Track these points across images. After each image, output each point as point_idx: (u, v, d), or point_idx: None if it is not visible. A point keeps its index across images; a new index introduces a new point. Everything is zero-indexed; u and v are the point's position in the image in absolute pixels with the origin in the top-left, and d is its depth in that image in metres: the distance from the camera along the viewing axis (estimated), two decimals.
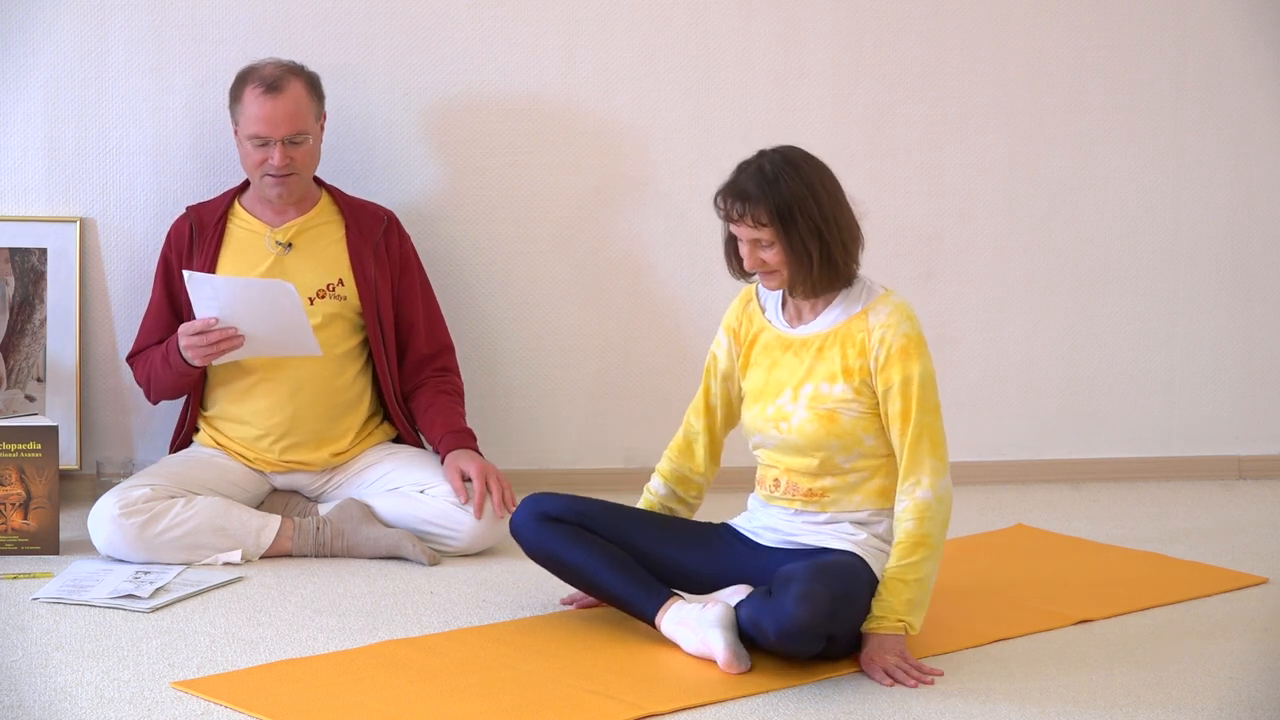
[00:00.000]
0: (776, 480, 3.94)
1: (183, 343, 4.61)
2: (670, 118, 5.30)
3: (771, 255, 3.84)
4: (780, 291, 3.95)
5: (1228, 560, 4.66)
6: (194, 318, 4.62)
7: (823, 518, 3.91)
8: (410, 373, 4.87)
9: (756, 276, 3.92)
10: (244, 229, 4.80)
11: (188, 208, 4.87)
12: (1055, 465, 5.57)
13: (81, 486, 5.03)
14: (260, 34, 5.06)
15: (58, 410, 5.04)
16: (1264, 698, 3.67)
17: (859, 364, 3.84)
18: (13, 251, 5.06)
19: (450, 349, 4.95)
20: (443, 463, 4.72)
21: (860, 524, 3.91)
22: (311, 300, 4.71)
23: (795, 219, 3.80)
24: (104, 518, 4.47)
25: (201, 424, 4.81)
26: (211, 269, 4.74)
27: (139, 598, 4.19)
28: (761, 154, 3.87)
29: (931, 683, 3.74)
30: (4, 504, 4.56)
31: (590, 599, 4.13)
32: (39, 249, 5.07)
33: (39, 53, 5.04)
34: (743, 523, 4.05)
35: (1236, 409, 5.64)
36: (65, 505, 4.81)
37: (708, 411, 4.10)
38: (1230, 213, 5.59)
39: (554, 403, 5.34)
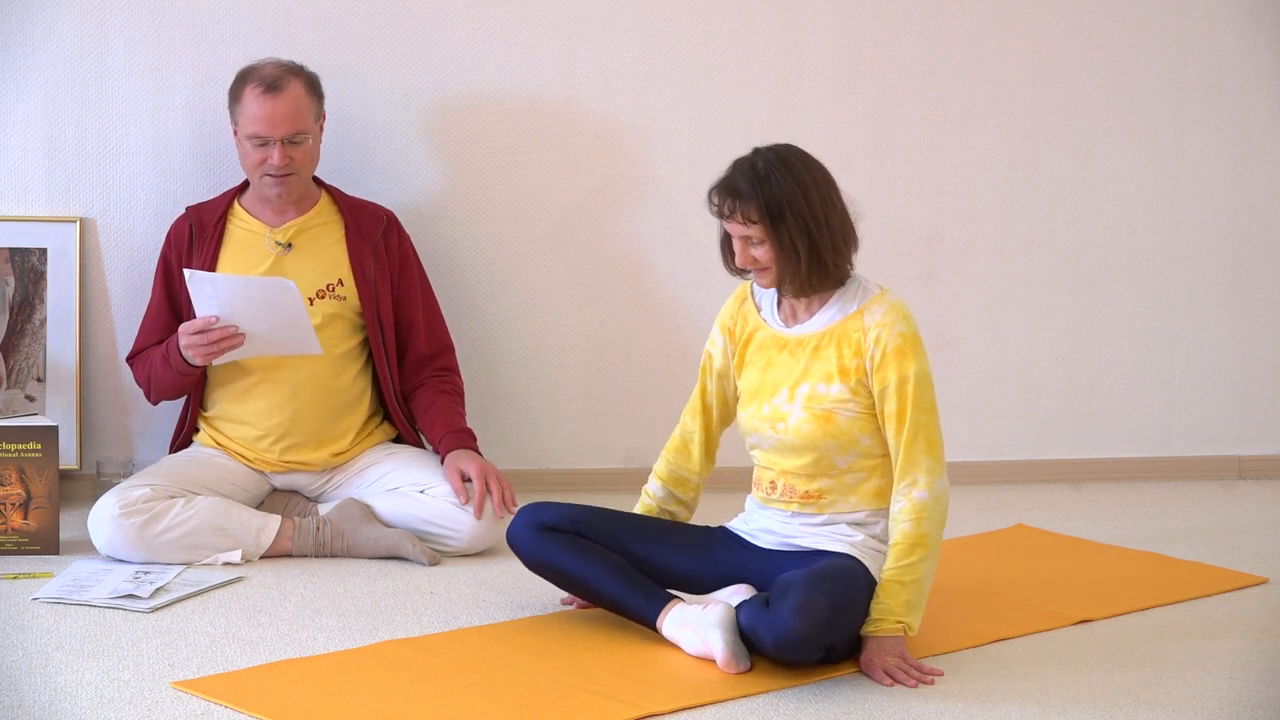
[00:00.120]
0: (773, 483, 3.94)
1: (183, 342, 4.61)
2: (670, 118, 5.30)
3: (762, 253, 3.84)
4: (775, 291, 3.95)
5: (1228, 560, 4.66)
6: (194, 317, 4.62)
7: (819, 520, 3.91)
8: (410, 372, 4.87)
9: (751, 274, 3.92)
10: (243, 229, 4.80)
11: (187, 208, 4.87)
12: (1055, 465, 5.57)
13: (81, 486, 5.03)
14: (260, 34, 5.06)
15: (58, 410, 5.04)
16: (1264, 698, 3.67)
17: (855, 364, 3.84)
18: (13, 251, 5.06)
19: (450, 349, 4.95)
20: (442, 463, 4.72)
21: (857, 525, 3.90)
22: (311, 300, 4.70)
23: (785, 217, 3.80)
24: (104, 518, 4.47)
25: (201, 424, 4.81)
26: (211, 269, 4.74)
27: (139, 598, 4.19)
28: (756, 151, 3.87)
29: (931, 683, 3.74)
30: (4, 504, 4.56)
31: None
32: (39, 249, 5.07)
33: (39, 53, 5.04)
34: (740, 525, 4.05)
35: (1236, 409, 5.64)
36: (65, 505, 4.81)
37: (704, 411, 4.10)
38: (1230, 213, 5.59)
39: (554, 403, 5.34)
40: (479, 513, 4.61)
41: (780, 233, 3.81)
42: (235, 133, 4.77)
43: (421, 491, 4.67)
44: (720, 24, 5.30)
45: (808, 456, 3.87)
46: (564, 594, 4.19)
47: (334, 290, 4.76)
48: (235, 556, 4.51)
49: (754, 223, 3.82)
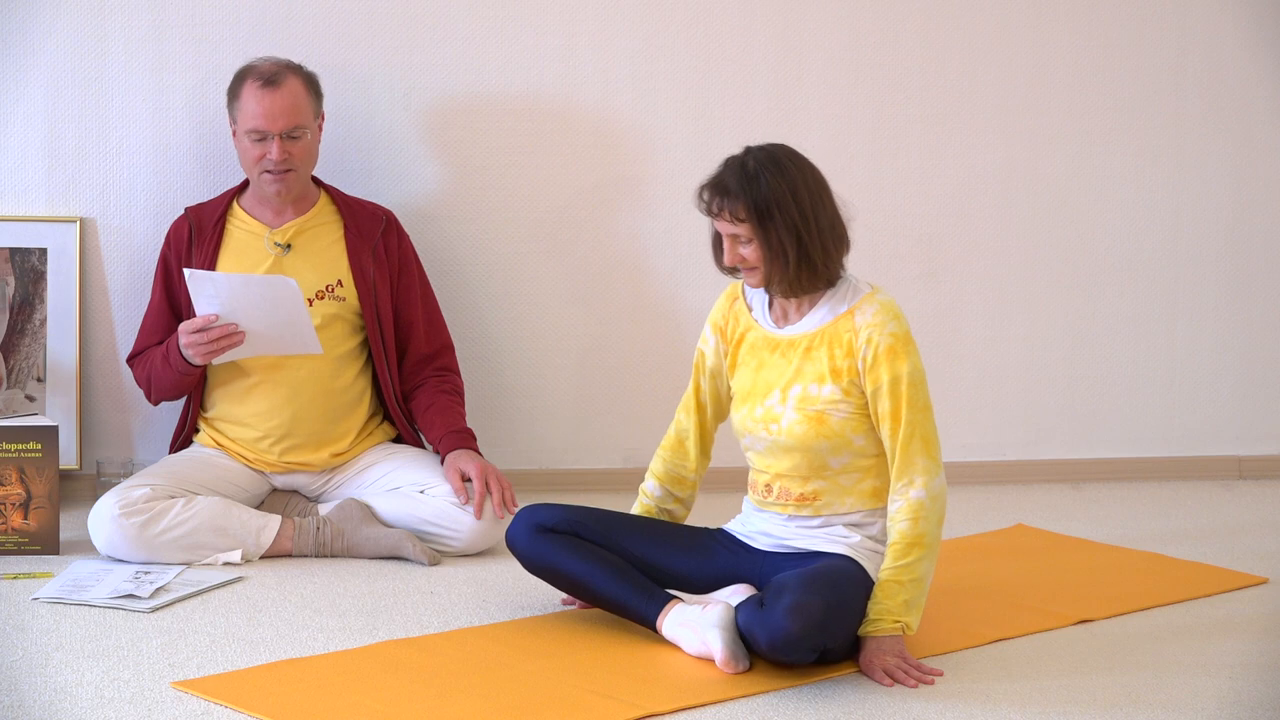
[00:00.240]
0: (769, 486, 3.94)
1: (183, 341, 4.61)
2: (670, 118, 5.30)
3: (749, 251, 3.84)
4: (766, 291, 3.95)
5: (1228, 560, 4.66)
6: (194, 317, 4.62)
7: (816, 522, 3.91)
8: (410, 372, 4.87)
9: (741, 273, 3.92)
10: (242, 229, 4.80)
11: (186, 209, 4.87)
12: (1055, 465, 5.57)
13: (81, 486, 5.03)
14: (260, 34, 5.06)
15: (58, 410, 5.04)
16: (1264, 698, 3.67)
17: (847, 364, 3.83)
18: (13, 251, 5.06)
19: (450, 348, 4.95)
20: (442, 463, 4.72)
21: (854, 526, 3.90)
22: (310, 301, 4.70)
23: (773, 217, 3.79)
24: (104, 518, 4.47)
25: (202, 425, 4.81)
26: (210, 269, 4.74)
27: (139, 598, 4.19)
28: (748, 150, 3.87)
29: (931, 682, 3.74)
30: (4, 504, 4.56)
31: None
32: (39, 249, 5.07)
33: (39, 53, 5.04)
34: (737, 527, 4.05)
35: (1236, 409, 5.64)
36: (65, 505, 4.81)
37: (698, 409, 4.10)
38: (1230, 213, 5.59)
39: (554, 403, 5.35)
40: (479, 513, 4.61)
41: (768, 232, 3.80)
42: (234, 132, 4.77)
43: (421, 491, 4.67)
44: (720, 24, 5.30)
45: (801, 458, 3.87)
46: (564, 594, 4.19)
47: (333, 291, 4.76)
48: (235, 556, 4.51)
49: (741, 221, 3.82)
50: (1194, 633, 4.09)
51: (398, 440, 4.88)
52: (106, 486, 4.75)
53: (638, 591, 3.94)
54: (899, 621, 3.77)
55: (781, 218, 3.79)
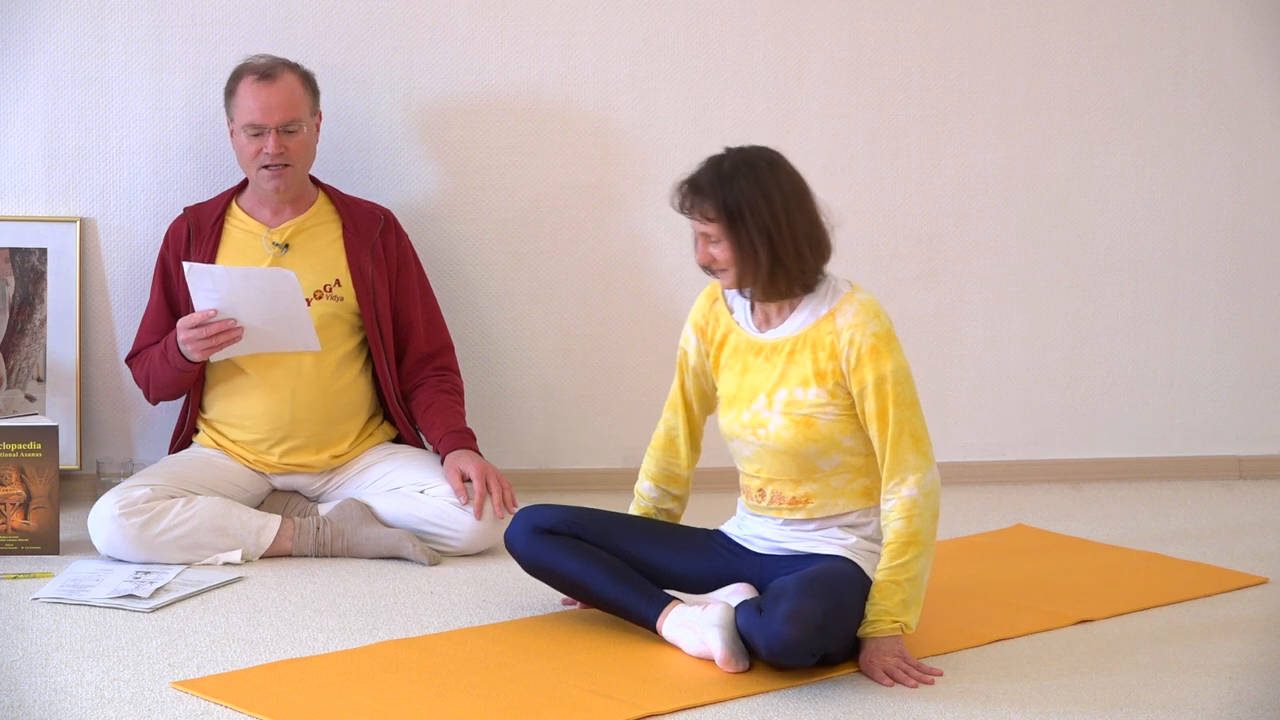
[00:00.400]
0: (761, 490, 3.93)
1: (181, 336, 4.61)
2: (670, 118, 5.30)
3: (719, 251, 3.83)
4: (740, 294, 3.94)
5: (1228, 560, 4.66)
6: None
7: (811, 525, 3.91)
8: (410, 372, 4.87)
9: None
10: (241, 229, 4.80)
11: (185, 209, 4.87)
12: (1055, 465, 5.57)
13: (81, 486, 5.03)
14: (260, 34, 5.06)
15: (58, 410, 5.04)
16: (1264, 698, 3.67)
17: (831, 367, 3.82)
18: (13, 251, 5.06)
19: (450, 347, 4.95)
20: (442, 463, 4.72)
21: (849, 527, 3.90)
22: (309, 301, 4.70)
23: (744, 219, 3.78)
24: (104, 518, 4.47)
25: (201, 425, 4.81)
26: None
27: (139, 598, 4.19)
28: (728, 151, 3.86)
29: (931, 682, 3.74)
30: (4, 504, 4.56)
31: None
32: (39, 249, 5.07)
33: (39, 53, 5.04)
34: (733, 530, 4.04)
35: (1236, 409, 5.64)
36: (65, 505, 4.81)
37: (685, 406, 4.10)
38: (1230, 213, 5.58)
39: (553, 403, 5.34)
40: (479, 513, 4.61)
41: (738, 234, 3.79)
42: (231, 131, 4.77)
43: (421, 491, 4.67)
44: (720, 24, 5.30)
45: (791, 461, 3.86)
46: (563, 595, 4.19)
47: (331, 291, 4.76)
48: (235, 556, 4.51)
49: (711, 221, 3.81)
50: (1194, 633, 4.09)
51: (398, 440, 4.88)
52: (106, 486, 4.75)
53: (637, 593, 3.94)
54: (898, 621, 3.77)
55: (753, 220, 3.77)
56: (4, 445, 4.56)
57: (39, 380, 5.06)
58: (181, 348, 4.62)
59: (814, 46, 5.35)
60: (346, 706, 3.57)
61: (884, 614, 3.76)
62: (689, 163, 5.26)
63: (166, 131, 5.10)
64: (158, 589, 4.26)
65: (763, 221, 3.78)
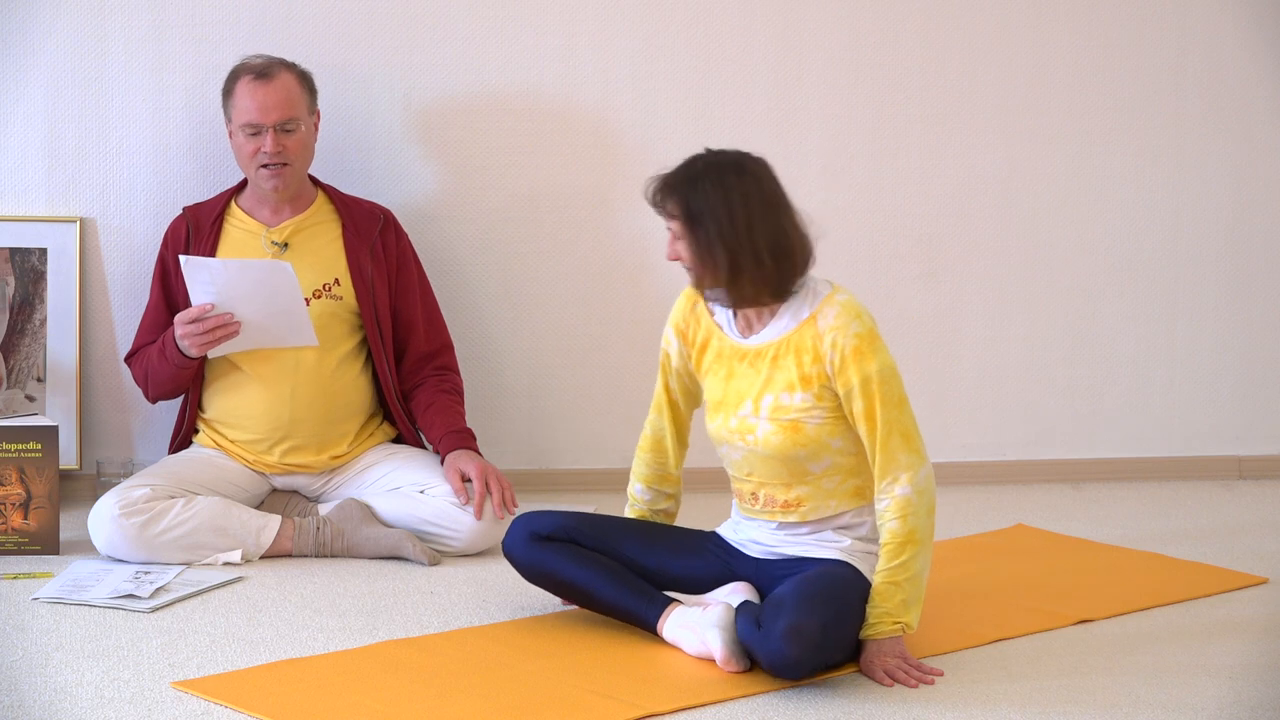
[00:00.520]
0: (754, 494, 3.93)
1: (179, 332, 4.60)
2: (670, 118, 5.30)
3: (682, 249, 3.82)
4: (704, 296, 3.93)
5: (1228, 560, 4.66)
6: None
7: (804, 529, 3.90)
8: (410, 371, 4.87)
9: None
10: (240, 229, 4.80)
11: (184, 208, 4.87)
12: (1055, 465, 5.57)
13: (81, 486, 5.03)
14: (260, 34, 5.06)
15: (58, 410, 5.04)
16: (1264, 698, 3.67)
17: (815, 370, 3.80)
18: (13, 251, 5.06)
19: (450, 347, 4.95)
20: (442, 463, 4.72)
21: (843, 529, 3.89)
22: (308, 300, 4.70)
23: (704, 223, 3.76)
24: (104, 518, 4.47)
25: (200, 425, 4.80)
26: None
27: (139, 598, 4.19)
28: (706, 152, 3.84)
29: (932, 682, 3.74)
30: (4, 504, 4.56)
31: None
32: (39, 249, 5.07)
33: (39, 53, 5.04)
34: (729, 533, 4.04)
35: (1236, 409, 5.64)
36: (65, 505, 4.81)
37: (670, 406, 4.09)
38: (1230, 213, 5.58)
39: (554, 403, 5.34)
40: (479, 513, 4.61)
41: (698, 236, 3.77)
42: (230, 131, 4.77)
43: (421, 491, 4.67)
44: (720, 24, 5.30)
45: (781, 466, 3.85)
46: None
47: (330, 290, 4.75)
48: (235, 556, 4.51)
49: (673, 218, 3.81)
50: (1194, 633, 4.09)
51: (398, 440, 4.88)
52: (106, 486, 4.75)
53: (637, 596, 3.94)
54: (898, 622, 3.76)
55: (713, 226, 3.76)
56: (4, 445, 4.56)
57: (39, 380, 5.06)
58: (179, 343, 4.61)
59: (814, 46, 5.35)
60: (346, 706, 3.57)
61: (885, 616, 3.76)
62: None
63: (166, 131, 5.10)
64: (158, 589, 4.26)
65: (721, 230, 3.75)
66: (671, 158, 5.28)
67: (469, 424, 4.84)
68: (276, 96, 4.70)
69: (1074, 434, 5.58)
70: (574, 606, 4.16)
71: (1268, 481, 5.60)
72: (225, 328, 4.58)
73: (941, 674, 3.78)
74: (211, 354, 4.67)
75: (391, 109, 5.18)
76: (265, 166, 4.71)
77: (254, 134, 4.70)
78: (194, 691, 3.62)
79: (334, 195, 4.87)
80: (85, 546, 4.57)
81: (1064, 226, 5.53)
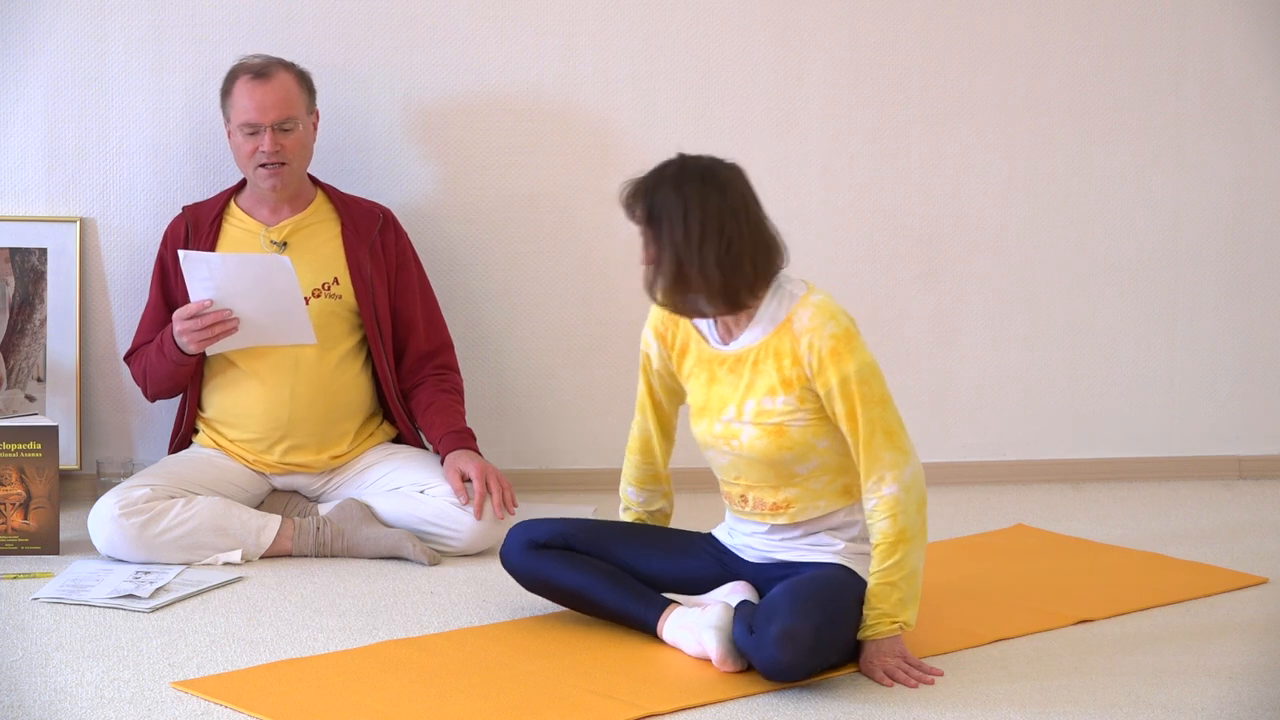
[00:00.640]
0: (743, 496, 3.92)
1: (177, 328, 4.60)
2: (670, 118, 5.30)
3: (649, 253, 3.82)
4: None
5: (1228, 560, 4.66)
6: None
7: (796, 532, 3.90)
8: (410, 370, 4.87)
9: None
10: (239, 228, 4.80)
11: (184, 208, 4.87)
12: (1055, 465, 5.57)
13: (81, 486, 5.03)
14: (260, 34, 5.06)
15: (58, 410, 5.04)
16: (1264, 698, 3.67)
17: (795, 373, 3.78)
18: (13, 251, 5.06)
19: (450, 346, 4.95)
20: (442, 463, 4.72)
21: (835, 531, 3.88)
22: (307, 300, 4.70)
23: (660, 231, 3.75)
24: (104, 518, 4.47)
25: (200, 425, 4.80)
26: None
27: (139, 598, 4.19)
28: (678, 157, 3.82)
29: (931, 682, 3.74)
30: (4, 504, 4.56)
31: None
32: (39, 249, 5.07)
33: (39, 53, 5.04)
34: (724, 537, 4.04)
35: (1236, 409, 5.64)
36: (65, 505, 4.81)
37: (654, 406, 4.08)
38: (1230, 213, 5.58)
39: (554, 403, 5.34)
40: (479, 513, 4.61)
41: (659, 241, 3.76)
42: (229, 131, 4.77)
43: (421, 491, 4.67)
44: (720, 24, 5.30)
45: (767, 469, 3.84)
46: None
47: (329, 289, 4.75)
48: (235, 556, 4.51)
49: (641, 222, 3.79)
50: (1194, 633, 4.09)
51: (398, 440, 4.88)
52: (106, 486, 4.75)
53: (636, 599, 3.94)
54: (896, 621, 3.76)
55: (667, 234, 3.74)
56: (4, 445, 4.56)
57: (39, 380, 5.06)
58: (177, 339, 4.61)
59: (814, 46, 5.35)
60: (346, 706, 3.57)
61: (883, 616, 3.75)
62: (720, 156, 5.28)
63: (166, 131, 5.10)
64: (158, 589, 4.26)
65: (674, 239, 3.73)
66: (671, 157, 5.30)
67: (469, 424, 4.84)
68: (275, 96, 4.70)
69: (1074, 434, 5.58)
70: None
71: (1268, 481, 5.60)
72: (224, 324, 4.58)
73: (941, 674, 3.78)
74: (210, 351, 4.67)
75: (391, 109, 5.18)
76: (263, 166, 4.71)
77: (252, 134, 4.70)
78: (194, 691, 3.62)
79: (333, 194, 4.87)
80: (85, 546, 4.57)
81: (1064, 226, 5.53)
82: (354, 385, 4.79)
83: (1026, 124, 5.47)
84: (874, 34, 5.37)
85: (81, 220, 5.09)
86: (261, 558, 4.56)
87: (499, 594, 4.29)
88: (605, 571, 3.98)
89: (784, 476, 3.84)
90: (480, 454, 4.75)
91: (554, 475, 5.33)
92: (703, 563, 4.01)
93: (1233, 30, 5.50)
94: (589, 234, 5.32)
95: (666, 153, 5.27)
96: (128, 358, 4.87)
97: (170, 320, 4.75)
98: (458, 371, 4.95)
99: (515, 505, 4.64)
